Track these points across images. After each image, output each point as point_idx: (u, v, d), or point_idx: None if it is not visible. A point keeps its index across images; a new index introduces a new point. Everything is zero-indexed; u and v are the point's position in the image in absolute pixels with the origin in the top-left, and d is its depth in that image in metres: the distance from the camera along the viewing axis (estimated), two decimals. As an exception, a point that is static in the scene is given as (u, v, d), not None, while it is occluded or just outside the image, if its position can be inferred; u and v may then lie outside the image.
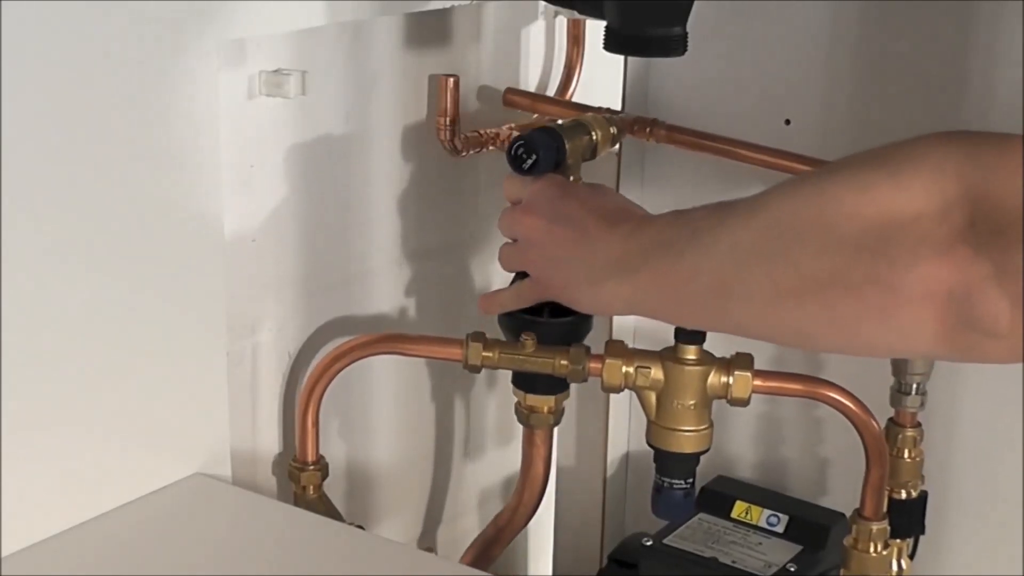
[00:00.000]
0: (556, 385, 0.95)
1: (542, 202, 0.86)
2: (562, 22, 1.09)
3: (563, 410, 0.98)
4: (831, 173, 0.71)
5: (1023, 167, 0.62)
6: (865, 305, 0.68)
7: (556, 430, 0.99)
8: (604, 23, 0.86)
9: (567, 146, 0.88)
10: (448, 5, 0.97)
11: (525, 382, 0.95)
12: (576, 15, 1.04)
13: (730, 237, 0.74)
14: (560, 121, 0.93)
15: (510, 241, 0.88)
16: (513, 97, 1.05)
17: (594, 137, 0.90)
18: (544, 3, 1.06)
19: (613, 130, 0.93)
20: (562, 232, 0.84)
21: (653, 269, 0.79)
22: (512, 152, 0.87)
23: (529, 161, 0.86)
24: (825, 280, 0.69)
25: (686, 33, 0.85)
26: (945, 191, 0.65)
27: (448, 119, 0.99)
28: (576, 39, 1.08)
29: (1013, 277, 0.63)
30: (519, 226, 0.87)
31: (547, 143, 0.87)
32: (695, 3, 0.85)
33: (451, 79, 0.98)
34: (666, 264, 0.79)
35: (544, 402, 0.95)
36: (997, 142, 0.65)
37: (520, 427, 0.99)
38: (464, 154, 1.01)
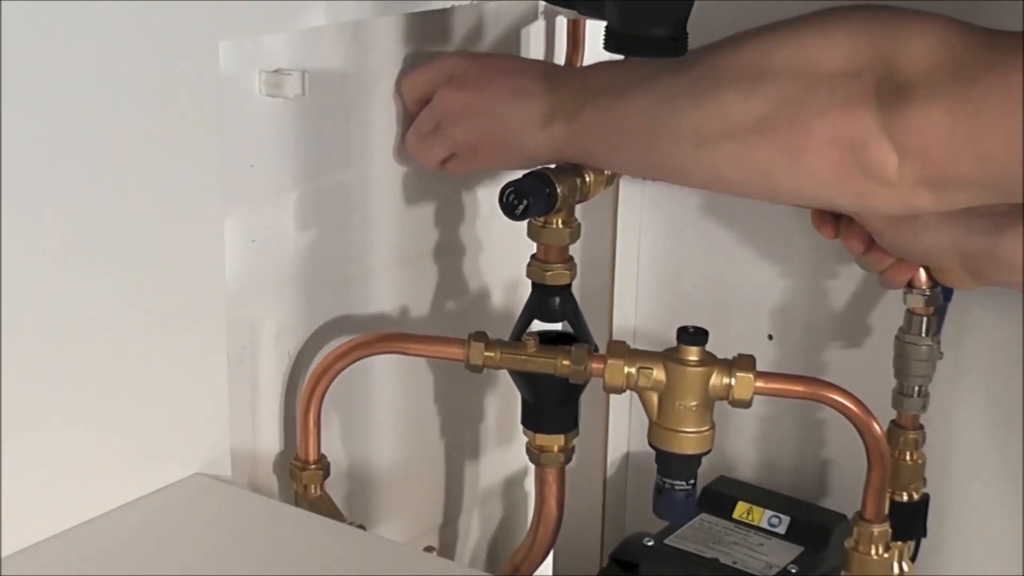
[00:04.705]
0: (565, 423, 0.96)
1: (469, 76, 0.91)
2: (562, 22, 1.08)
3: (573, 448, 0.99)
4: (771, 31, 0.80)
5: (924, 39, 0.74)
6: (780, 148, 0.77)
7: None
8: (604, 23, 0.86)
9: (558, 190, 0.88)
10: (448, 5, 0.97)
11: (534, 422, 0.96)
12: (576, 15, 1.04)
13: (668, 81, 0.82)
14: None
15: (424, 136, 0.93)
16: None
17: (587, 179, 0.91)
18: (544, 3, 1.06)
19: (608, 172, 0.93)
20: (499, 87, 0.90)
21: (594, 109, 0.86)
22: (503, 199, 0.88)
23: (520, 207, 0.87)
24: (749, 124, 0.78)
25: (686, 33, 0.85)
26: (861, 53, 0.75)
27: (448, 119, 0.99)
28: (576, 39, 1.08)
29: (902, 133, 0.73)
30: (447, 103, 0.91)
31: (537, 189, 0.88)
32: (695, 3, 0.85)
33: (451, 79, 0.98)
34: (606, 104, 0.85)
35: (554, 441, 0.96)
36: (911, 16, 0.76)
37: (521, 427, 0.99)
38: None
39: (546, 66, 0.94)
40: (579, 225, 0.94)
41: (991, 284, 0.91)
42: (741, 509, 1.13)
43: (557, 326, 0.98)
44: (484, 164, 0.95)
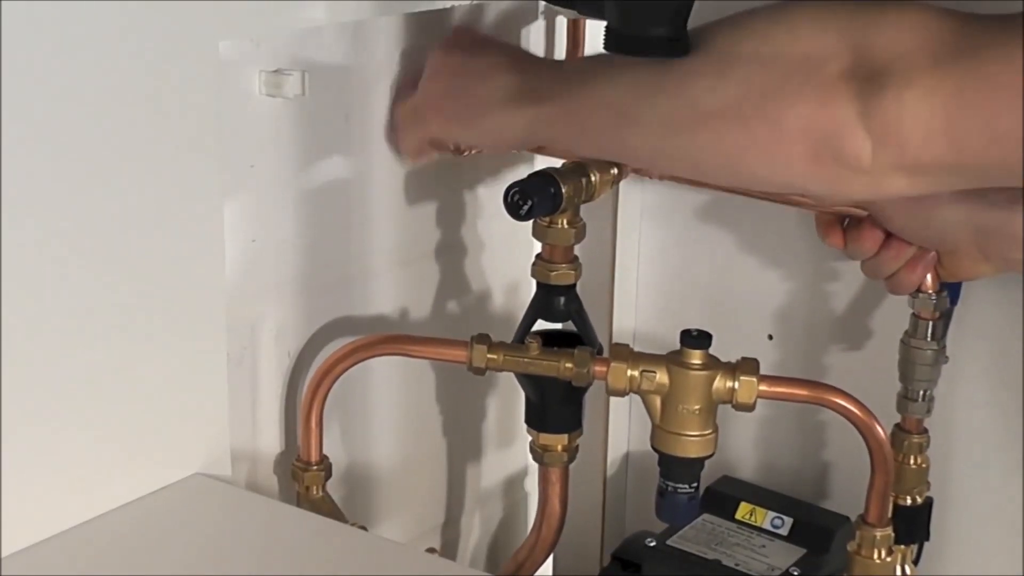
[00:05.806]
0: (569, 423, 0.95)
1: (446, 66, 0.92)
2: (562, 22, 1.08)
3: (577, 447, 0.99)
4: (736, 24, 0.80)
5: (899, 23, 0.73)
6: (751, 137, 0.77)
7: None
8: (604, 23, 0.86)
9: (563, 189, 0.88)
10: (448, 5, 0.97)
11: (538, 422, 0.95)
12: (576, 15, 1.04)
13: (634, 72, 0.82)
14: (561, 163, 0.93)
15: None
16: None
17: (592, 179, 0.91)
18: (544, 3, 1.06)
19: (614, 171, 0.93)
20: (471, 67, 0.90)
21: (565, 96, 0.85)
22: (507, 199, 0.88)
23: (525, 207, 0.87)
24: (717, 113, 0.78)
25: (686, 33, 0.85)
26: (830, 42, 0.75)
27: (448, 119, 0.99)
28: (576, 39, 1.08)
29: (879, 120, 0.73)
30: (427, 96, 0.92)
31: (542, 188, 0.88)
32: (695, 3, 0.85)
33: (451, 79, 0.98)
34: (571, 93, 0.85)
35: (558, 440, 0.96)
36: (880, 4, 0.75)
37: (523, 428, 0.99)
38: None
39: (524, 51, 0.94)
40: (584, 225, 0.94)
41: (1001, 267, 0.90)
42: (744, 510, 1.13)
43: (559, 325, 0.98)
44: (449, 131, 0.94)
